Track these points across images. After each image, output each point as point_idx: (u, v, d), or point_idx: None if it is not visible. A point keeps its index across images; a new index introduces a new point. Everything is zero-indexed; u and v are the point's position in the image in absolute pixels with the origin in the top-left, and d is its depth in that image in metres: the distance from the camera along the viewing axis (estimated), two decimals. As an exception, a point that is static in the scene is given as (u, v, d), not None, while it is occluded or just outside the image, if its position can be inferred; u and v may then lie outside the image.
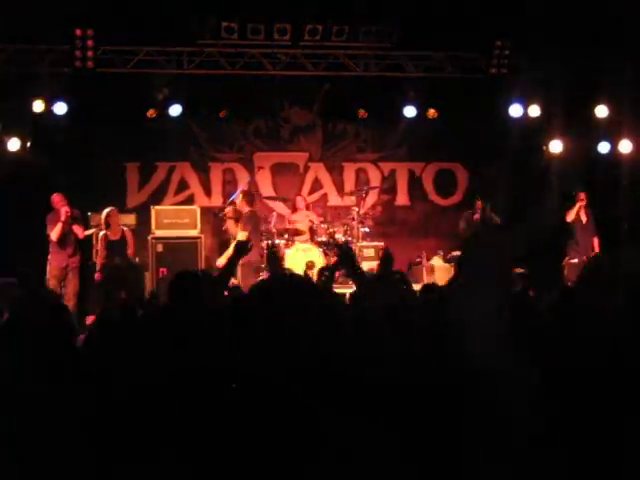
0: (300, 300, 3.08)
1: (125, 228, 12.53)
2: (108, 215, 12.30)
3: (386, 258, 4.82)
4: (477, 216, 12.80)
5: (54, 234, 12.01)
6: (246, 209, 12.62)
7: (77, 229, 12.22)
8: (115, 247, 12.19)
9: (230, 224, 12.55)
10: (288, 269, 11.72)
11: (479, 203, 13.18)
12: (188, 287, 5.27)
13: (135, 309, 5.96)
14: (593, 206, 13.40)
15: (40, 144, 13.23)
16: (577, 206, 13.26)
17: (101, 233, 12.26)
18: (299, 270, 11.54)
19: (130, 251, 12.46)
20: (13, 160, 12.91)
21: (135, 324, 4.78)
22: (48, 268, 12.12)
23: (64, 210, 11.99)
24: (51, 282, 11.98)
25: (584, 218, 13.24)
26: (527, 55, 13.75)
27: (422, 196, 15.27)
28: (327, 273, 5.94)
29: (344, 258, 5.05)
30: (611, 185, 13.74)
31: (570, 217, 13.24)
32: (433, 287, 6.03)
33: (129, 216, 13.37)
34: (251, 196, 12.99)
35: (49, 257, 12.16)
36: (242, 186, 13.69)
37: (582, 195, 13.28)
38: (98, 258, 12.27)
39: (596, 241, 13.31)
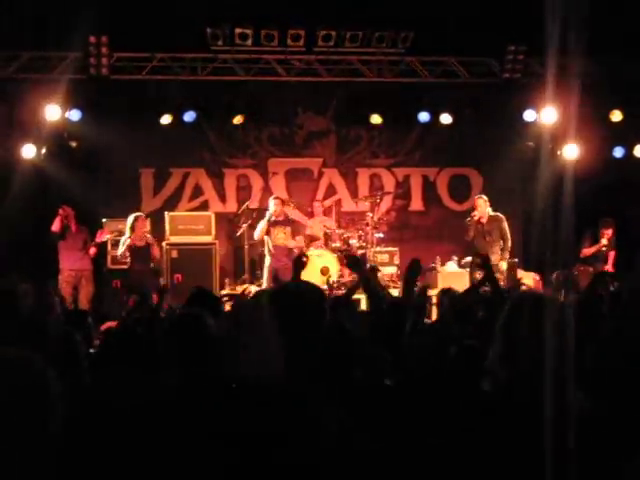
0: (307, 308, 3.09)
1: (149, 236, 12.38)
2: (135, 220, 12.23)
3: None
4: (474, 214, 12.49)
5: (54, 226, 12.04)
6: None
7: (71, 223, 12.21)
8: (138, 253, 12.09)
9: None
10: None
11: (477, 201, 12.61)
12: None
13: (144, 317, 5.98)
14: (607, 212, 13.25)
15: (55, 151, 13.28)
16: (598, 246, 12.78)
17: (124, 238, 12.18)
18: (313, 276, 11.55)
19: (155, 258, 12.32)
20: (28, 167, 12.96)
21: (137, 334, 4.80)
22: (60, 275, 12.11)
23: (63, 208, 12.07)
24: (64, 288, 11.99)
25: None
26: (541, 60, 13.73)
27: (436, 201, 15.25)
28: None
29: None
30: (626, 190, 13.70)
31: (586, 254, 12.80)
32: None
33: (144, 222, 13.39)
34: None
35: (60, 263, 12.18)
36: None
37: (608, 232, 12.75)
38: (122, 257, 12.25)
39: (612, 254, 12.93)
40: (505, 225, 12.45)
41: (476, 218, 12.29)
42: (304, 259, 5.64)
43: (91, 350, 5.13)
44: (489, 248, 12.20)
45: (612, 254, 12.89)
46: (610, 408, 2.84)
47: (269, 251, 12.48)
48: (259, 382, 2.81)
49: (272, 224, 12.47)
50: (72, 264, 12.15)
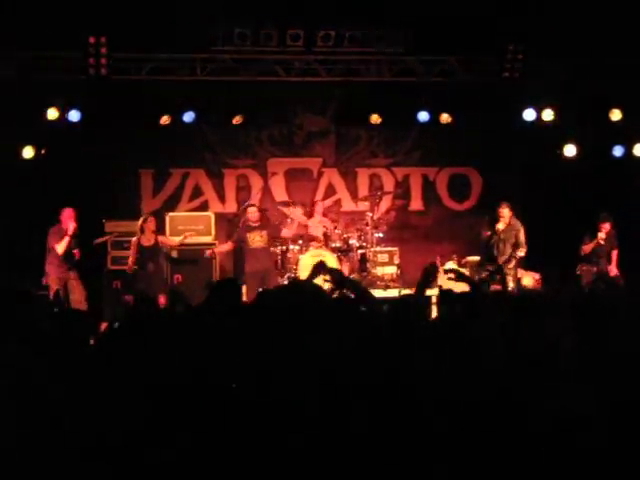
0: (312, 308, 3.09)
1: (160, 236, 12.37)
2: (144, 220, 12.17)
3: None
4: (498, 227, 12.30)
5: (60, 247, 11.68)
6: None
7: (76, 251, 11.95)
8: (147, 253, 12.07)
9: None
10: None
11: (502, 211, 12.38)
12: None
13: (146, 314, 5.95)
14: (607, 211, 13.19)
15: (54, 151, 13.27)
16: (595, 240, 12.52)
17: (134, 238, 12.16)
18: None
19: (169, 247, 12.56)
20: (28, 167, 12.95)
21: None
22: (48, 278, 11.89)
23: (72, 226, 11.75)
24: (53, 288, 11.76)
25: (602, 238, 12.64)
26: (541, 59, 13.72)
27: (436, 201, 15.22)
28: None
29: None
30: (626, 189, 13.70)
31: (586, 251, 12.60)
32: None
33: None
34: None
35: (47, 268, 11.87)
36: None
37: (606, 226, 12.53)
38: (129, 263, 12.18)
39: (615, 253, 12.78)
40: (522, 235, 12.24)
41: (501, 230, 12.13)
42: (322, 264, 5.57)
43: (89, 350, 5.11)
44: (500, 256, 12.15)
45: (615, 253, 12.81)
46: (612, 406, 2.84)
47: (242, 257, 12.63)
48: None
49: (248, 230, 12.55)
50: (61, 273, 11.86)
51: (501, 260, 12.12)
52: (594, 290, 5.58)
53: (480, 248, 12.73)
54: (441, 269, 13.22)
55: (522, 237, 12.27)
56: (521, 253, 12.25)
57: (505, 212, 12.28)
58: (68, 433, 2.84)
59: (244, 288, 12.43)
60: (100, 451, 2.86)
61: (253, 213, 12.69)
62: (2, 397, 2.41)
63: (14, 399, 2.83)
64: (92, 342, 5.86)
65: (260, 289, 11.95)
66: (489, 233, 12.27)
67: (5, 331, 3.68)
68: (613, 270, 12.67)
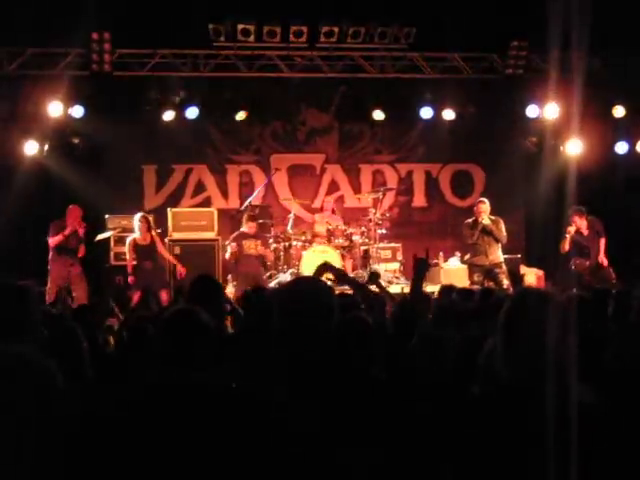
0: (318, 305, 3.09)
1: (154, 233, 12.33)
2: (138, 220, 12.18)
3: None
4: (481, 219, 12.25)
5: (53, 241, 11.69)
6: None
7: (82, 248, 11.93)
8: (143, 252, 12.04)
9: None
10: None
11: (482, 206, 12.23)
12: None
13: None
14: (611, 207, 13.15)
15: (57, 147, 13.28)
16: (567, 237, 12.23)
17: (129, 237, 12.11)
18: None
19: (162, 254, 12.35)
20: (31, 163, 12.96)
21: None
22: (50, 276, 11.88)
23: (80, 225, 11.71)
24: (58, 285, 11.71)
25: (585, 231, 12.41)
26: (543, 55, 13.71)
27: (439, 197, 15.24)
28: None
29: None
30: (629, 186, 13.68)
31: (564, 249, 12.32)
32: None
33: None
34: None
35: (49, 265, 11.82)
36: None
37: (576, 219, 12.28)
38: (128, 262, 12.14)
39: (602, 242, 12.43)
40: (502, 226, 12.23)
41: (485, 225, 12.07)
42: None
43: (95, 347, 5.15)
44: (488, 248, 12.12)
45: (603, 241, 12.58)
46: (615, 405, 2.84)
47: (237, 260, 12.67)
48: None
49: (245, 237, 12.59)
50: (62, 269, 11.84)
51: (491, 258, 12.08)
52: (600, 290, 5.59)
53: (468, 250, 12.67)
54: (442, 265, 13.29)
55: (503, 228, 12.22)
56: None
57: (485, 207, 12.23)
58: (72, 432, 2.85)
59: (234, 286, 12.54)
60: (106, 449, 2.87)
61: (252, 228, 12.70)
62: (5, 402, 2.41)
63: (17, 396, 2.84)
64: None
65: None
66: (474, 233, 12.20)
67: (6, 331, 3.67)
68: (604, 260, 12.55)
